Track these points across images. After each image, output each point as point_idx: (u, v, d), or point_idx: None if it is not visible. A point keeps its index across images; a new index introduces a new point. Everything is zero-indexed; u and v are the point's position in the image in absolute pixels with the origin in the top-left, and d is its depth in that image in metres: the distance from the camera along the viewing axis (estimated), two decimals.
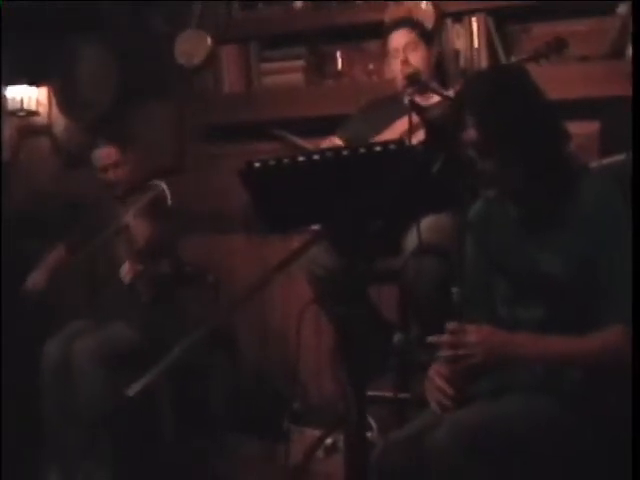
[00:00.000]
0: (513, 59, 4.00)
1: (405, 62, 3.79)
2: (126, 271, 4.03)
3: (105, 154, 4.23)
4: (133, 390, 1.76)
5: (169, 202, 3.97)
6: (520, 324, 2.38)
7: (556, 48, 3.51)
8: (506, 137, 2.31)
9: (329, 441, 3.85)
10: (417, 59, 3.81)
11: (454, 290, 2.36)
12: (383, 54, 4.08)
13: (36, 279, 4.28)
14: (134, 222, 4.10)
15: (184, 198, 4.12)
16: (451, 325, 2.31)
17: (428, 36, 3.93)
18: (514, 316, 2.43)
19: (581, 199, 2.32)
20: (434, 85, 3.77)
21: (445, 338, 2.31)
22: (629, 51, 3.91)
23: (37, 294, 4.26)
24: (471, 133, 2.33)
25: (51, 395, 3.99)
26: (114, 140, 4.25)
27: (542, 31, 4.13)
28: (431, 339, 2.34)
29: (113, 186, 4.26)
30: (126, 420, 3.89)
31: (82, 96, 5.18)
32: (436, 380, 2.37)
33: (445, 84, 3.94)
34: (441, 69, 4.09)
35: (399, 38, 3.85)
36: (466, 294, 2.37)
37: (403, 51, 3.81)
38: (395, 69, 3.86)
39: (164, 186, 4.00)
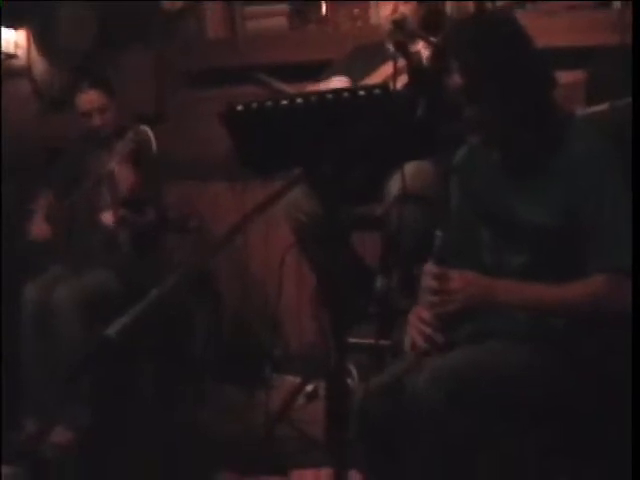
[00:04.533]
0: (499, 4, 3.97)
1: (395, 12, 3.72)
2: (107, 216, 4.00)
3: (90, 98, 4.17)
4: (111, 331, 1.75)
5: (154, 148, 3.93)
6: (505, 271, 2.39)
7: None
8: (490, 82, 2.29)
9: (309, 388, 3.87)
10: (407, 9, 3.75)
11: (438, 234, 2.36)
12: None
13: (40, 228, 4.19)
14: (118, 168, 4.06)
15: (166, 144, 4.08)
16: (435, 269, 2.32)
17: None
18: (499, 263, 2.43)
19: (567, 147, 2.31)
20: (419, 31, 3.72)
21: (428, 282, 2.32)
22: (616, 1, 3.89)
23: (43, 242, 4.20)
24: (456, 78, 2.31)
25: (30, 342, 3.97)
26: (99, 84, 4.19)
27: None
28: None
29: (97, 131, 4.21)
30: (106, 367, 3.88)
31: (62, 40, 5.10)
32: (417, 323, 2.37)
33: (431, 32, 3.89)
34: (427, 17, 4.03)
35: None
36: (450, 240, 2.37)
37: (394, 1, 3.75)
38: (382, 16, 3.80)
39: (149, 132, 3.95)
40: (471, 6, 4.15)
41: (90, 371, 3.74)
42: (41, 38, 5.19)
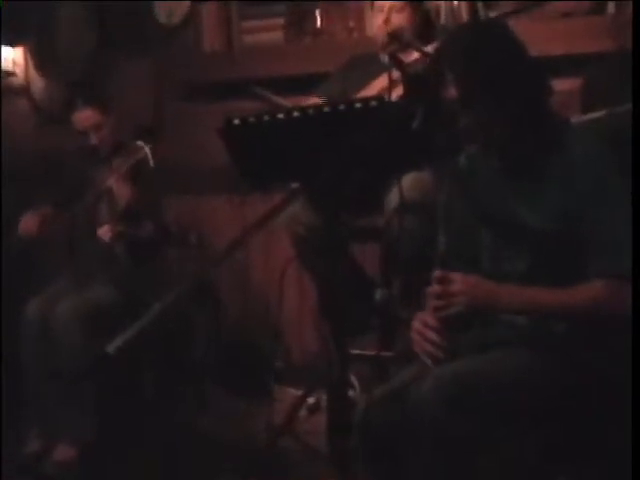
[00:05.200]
0: (492, 15, 3.98)
1: (387, 21, 3.74)
2: (104, 232, 4.01)
3: (85, 116, 4.19)
4: (113, 346, 1.76)
5: (151, 164, 3.96)
6: (505, 276, 2.38)
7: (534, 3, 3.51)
8: (485, 89, 2.29)
9: (312, 400, 3.86)
10: (400, 20, 3.76)
11: (440, 239, 2.37)
12: (367, 8, 4.03)
13: (29, 224, 4.18)
14: (116, 185, 4.08)
15: (164, 158, 4.10)
16: (437, 273, 2.32)
17: None
18: (499, 268, 2.43)
19: (565, 150, 2.31)
20: (414, 43, 3.73)
21: (431, 287, 2.32)
22: (610, 7, 3.90)
23: (28, 240, 4.21)
24: (451, 88, 2.32)
25: (33, 357, 3.98)
26: (93, 102, 4.20)
27: None
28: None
29: (95, 148, 4.23)
30: (107, 377, 3.89)
31: (60, 54, 5.12)
32: (423, 330, 2.37)
33: (425, 41, 3.90)
34: (422, 26, 4.04)
35: None
36: (450, 248, 2.38)
37: (387, 11, 3.76)
38: (376, 25, 3.81)
39: (147, 148, 3.98)
40: (464, 14, 4.18)
41: (91, 378, 3.77)
42: (39, 52, 5.21)
